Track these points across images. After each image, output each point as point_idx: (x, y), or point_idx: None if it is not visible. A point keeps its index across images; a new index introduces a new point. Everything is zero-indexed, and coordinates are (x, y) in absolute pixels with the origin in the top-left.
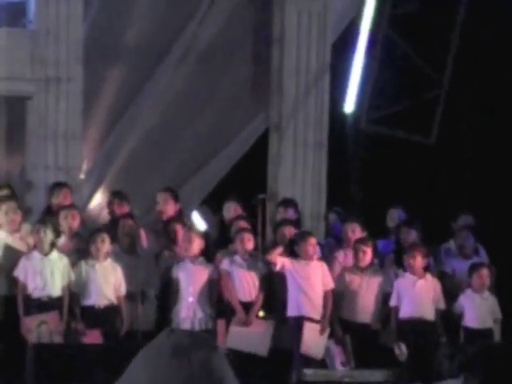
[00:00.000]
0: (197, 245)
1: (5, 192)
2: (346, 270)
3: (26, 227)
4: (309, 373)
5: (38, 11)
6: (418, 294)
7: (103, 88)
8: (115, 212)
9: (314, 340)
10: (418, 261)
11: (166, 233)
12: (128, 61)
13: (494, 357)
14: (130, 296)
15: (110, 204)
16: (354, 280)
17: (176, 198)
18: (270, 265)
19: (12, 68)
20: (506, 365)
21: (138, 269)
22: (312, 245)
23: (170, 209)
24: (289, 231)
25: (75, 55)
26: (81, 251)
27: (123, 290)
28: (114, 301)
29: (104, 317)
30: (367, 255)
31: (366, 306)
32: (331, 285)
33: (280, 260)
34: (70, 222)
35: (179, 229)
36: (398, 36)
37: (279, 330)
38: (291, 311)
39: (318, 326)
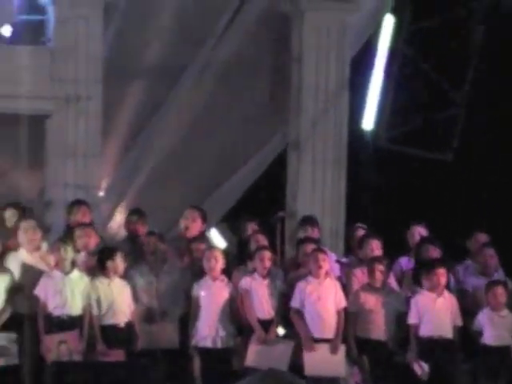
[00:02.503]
0: (220, 263)
1: (15, 213)
2: (361, 289)
3: (46, 246)
4: None
5: (57, 29)
6: (438, 312)
7: (122, 106)
8: (133, 230)
9: (325, 360)
10: (442, 278)
11: (190, 251)
12: (147, 78)
13: None
14: (152, 314)
15: (128, 222)
16: (369, 299)
17: (204, 218)
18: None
19: (31, 86)
20: None
21: (162, 286)
22: (323, 263)
23: (196, 227)
24: (310, 249)
25: (94, 73)
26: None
27: (133, 306)
28: (130, 318)
29: (125, 335)
30: (382, 274)
31: (381, 325)
32: (343, 304)
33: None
34: (85, 240)
35: (203, 247)
36: (416, 53)
37: (299, 347)
38: None
39: (326, 346)
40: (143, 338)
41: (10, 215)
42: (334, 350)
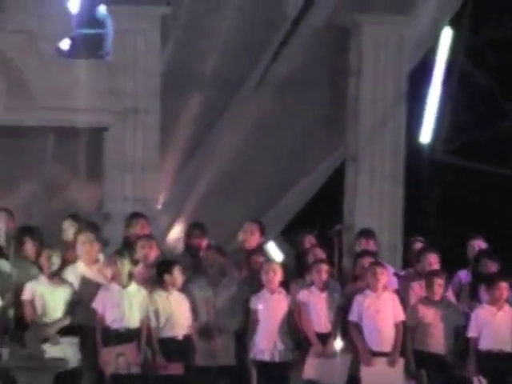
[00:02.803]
0: (278, 276)
1: (82, 224)
2: (419, 302)
3: (104, 258)
4: None
5: (116, 43)
6: (498, 326)
7: (180, 119)
8: (193, 243)
9: (383, 373)
10: (504, 292)
11: (248, 264)
12: (205, 91)
13: None
14: (209, 331)
15: (188, 235)
16: (427, 313)
17: (262, 231)
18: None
19: (90, 99)
20: None
21: (220, 299)
22: (381, 276)
23: (254, 240)
24: (368, 263)
25: (152, 87)
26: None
27: (191, 319)
28: (188, 331)
29: (183, 348)
30: (441, 288)
31: (439, 339)
32: (402, 317)
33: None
34: (147, 251)
35: (262, 260)
36: (474, 66)
37: (356, 361)
38: None
39: (384, 359)
40: (200, 355)
41: (67, 227)
42: (392, 364)
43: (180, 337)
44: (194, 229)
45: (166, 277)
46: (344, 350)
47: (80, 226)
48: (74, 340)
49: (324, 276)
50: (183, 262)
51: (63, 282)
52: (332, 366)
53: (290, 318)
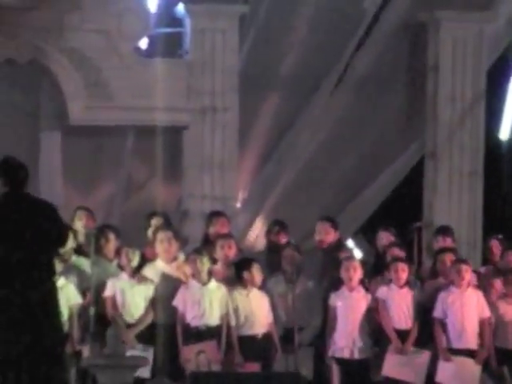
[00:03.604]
0: (358, 274)
1: (160, 221)
2: (499, 299)
3: (183, 256)
4: None
5: (194, 42)
6: None
7: (259, 117)
8: (274, 241)
9: (460, 371)
10: None
11: (328, 261)
12: (284, 90)
13: None
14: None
15: (269, 232)
16: (508, 310)
17: (335, 227)
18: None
19: (168, 98)
20: None
21: (298, 297)
22: (465, 273)
23: (329, 238)
24: (449, 259)
25: (231, 85)
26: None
27: (271, 317)
28: (268, 329)
29: (262, 346)
30: None
31: None
32: (487, 313)
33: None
34: (226, 251)
35: (343, 256)
36: None
37: (436, 359)
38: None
39: (464, 358)
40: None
41: (155, 223)
42: (479, 361)
43: (260, 335)
44: (274, 225)
45: (245, 275)
46: (424, 346)
47: (159, 225)
48: (150, 349)
49: (402, 274)
50: (262, 259)
51: (144, 279)
52: (411, 363)
53: (369, 316)
